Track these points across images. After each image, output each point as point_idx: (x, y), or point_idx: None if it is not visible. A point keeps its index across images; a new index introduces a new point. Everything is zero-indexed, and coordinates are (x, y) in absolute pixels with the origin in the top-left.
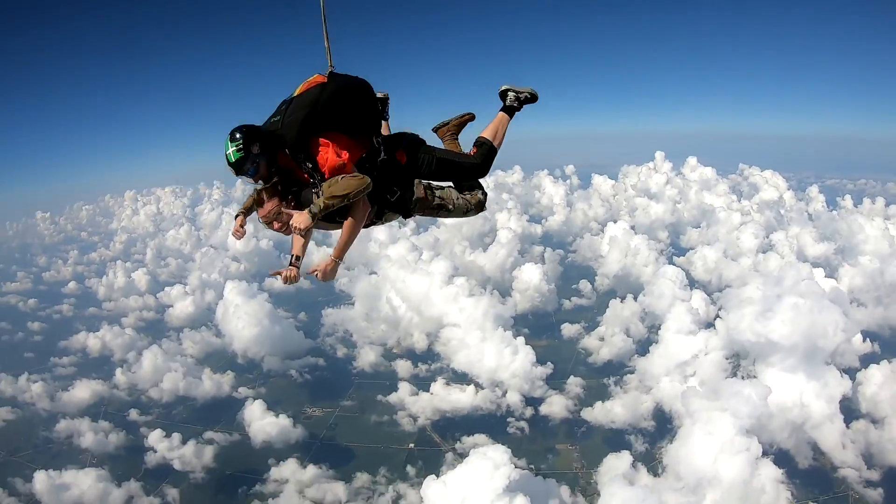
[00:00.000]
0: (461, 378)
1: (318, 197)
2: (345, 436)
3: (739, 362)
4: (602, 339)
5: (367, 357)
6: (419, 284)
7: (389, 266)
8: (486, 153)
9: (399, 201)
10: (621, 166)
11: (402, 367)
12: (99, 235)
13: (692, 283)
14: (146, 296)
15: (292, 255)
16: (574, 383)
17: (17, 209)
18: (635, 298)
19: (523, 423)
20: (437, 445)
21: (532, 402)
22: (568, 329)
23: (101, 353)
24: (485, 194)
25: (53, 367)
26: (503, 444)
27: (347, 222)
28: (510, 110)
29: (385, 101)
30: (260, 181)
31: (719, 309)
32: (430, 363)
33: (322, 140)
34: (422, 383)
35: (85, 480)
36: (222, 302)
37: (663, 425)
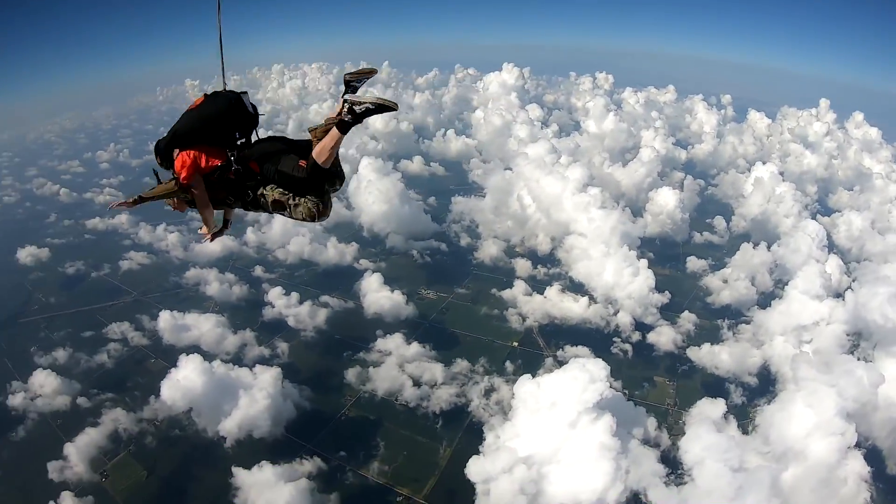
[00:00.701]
0: (577, 288)
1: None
2: (453, 322)
3: (860, 342)
4: (725, 281)
5: (489, 250)
6: (552, 187)
7: (526, 164)
8: (311, 171)
9: (254, 201)
10: (781, 106)
11: (522, 266)
12: None
13: (831, 247)
14: None
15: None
16: (687, 319)
17: (169, 77)
18: (769, 248)
19: (628, 346)
20: (539, 349)
21: (641, 327)
22: (693, 263)
23: (236, 212)
24: (316, 204)
25: (189, 221)
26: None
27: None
28: (343, 126)
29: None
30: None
31: (853, 280)
32: (549, 267)
33: (182, 152)
34: (537, 285)
35: (205, 324)
36: (356, 176)
37: (766, 384)
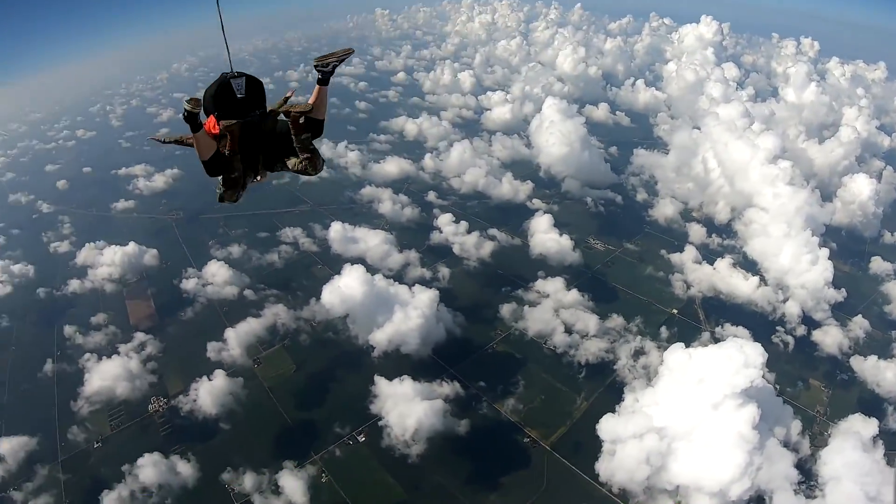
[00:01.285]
0: (749, 266)
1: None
2: (616, 276)
3: None
4: None
5: (665, 210)
6: (740, 154)
7: (715, 126)
8: (309, 124)
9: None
10: None
11: (696, 232)
12: (432, 36)
13: None
14: (468, 96)
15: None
16: (858, 324)
17: (361, 5)
18: None
19: (790, 339)
20: (698, 321)
21: (808, 322)
22: (877, 264)
23: (416, 138)
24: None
25: (371, 142)
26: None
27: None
28: (325, 80)
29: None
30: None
31: None
32: (723, 238)
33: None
34: (708, 255)
35: (373, 239)
36: (539, 116)
37: None
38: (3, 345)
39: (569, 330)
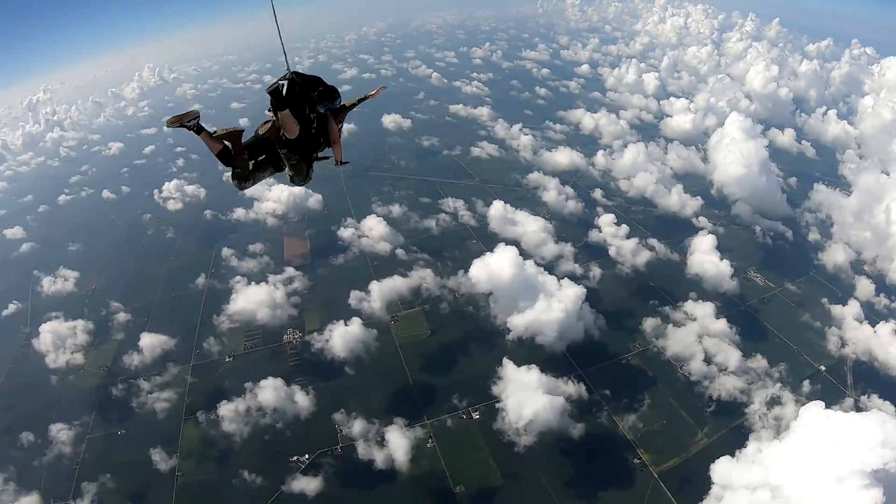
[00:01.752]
0: None
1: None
2: (769, 316)
3: None
4: None
5: (835, 255)
6: None
7: None
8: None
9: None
10: None
11: (864, 286)
12: (622, 32)
13: None
14: (649, 99)
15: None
16: None
17: None
18: None
19: None
20: (844, 384)
21: None
22: None
23: (591, 132)
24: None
25: (545, 129)
26: None
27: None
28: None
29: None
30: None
31: None
32: (893, 300)
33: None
34: (873, 315)
35: (531, 225)
36: (720, 130)
37: None
38: (165, 253)
39: (708, 359)
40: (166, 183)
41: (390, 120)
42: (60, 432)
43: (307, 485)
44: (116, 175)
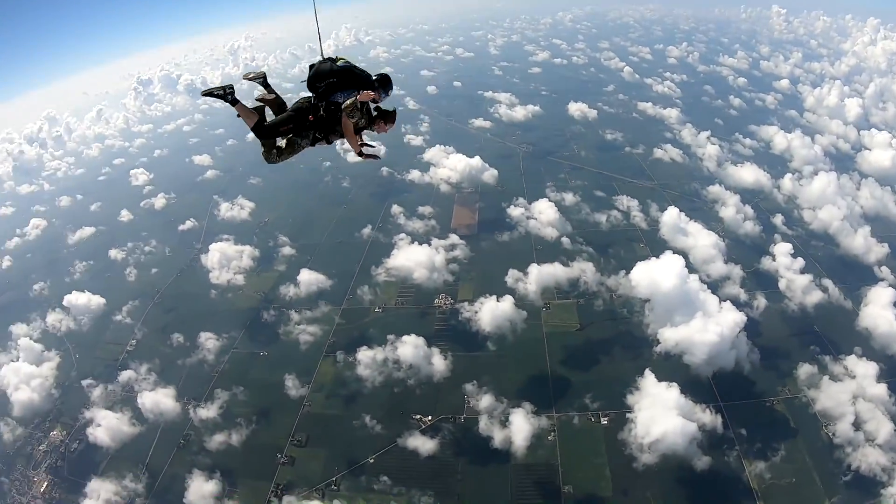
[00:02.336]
0: None
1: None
2: None
3: None
4: None
5: None
6: None
7: None
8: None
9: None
10: None
11: None
12: (827, 49)
13: None
14: (849, 127)
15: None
16: None
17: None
18: None
19: None
20: None
21: None
22: None
23: (781, 152)
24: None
25: (734, 142)
26: None
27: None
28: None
29: None
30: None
31: None
32: None
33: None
34: None
35: (703, 238)
36: None
37: None
38: (338, 201)
39: (857, 424)
40: None
41: (576, 108)
42: (208, 341)
43: (422, 444)
44: None
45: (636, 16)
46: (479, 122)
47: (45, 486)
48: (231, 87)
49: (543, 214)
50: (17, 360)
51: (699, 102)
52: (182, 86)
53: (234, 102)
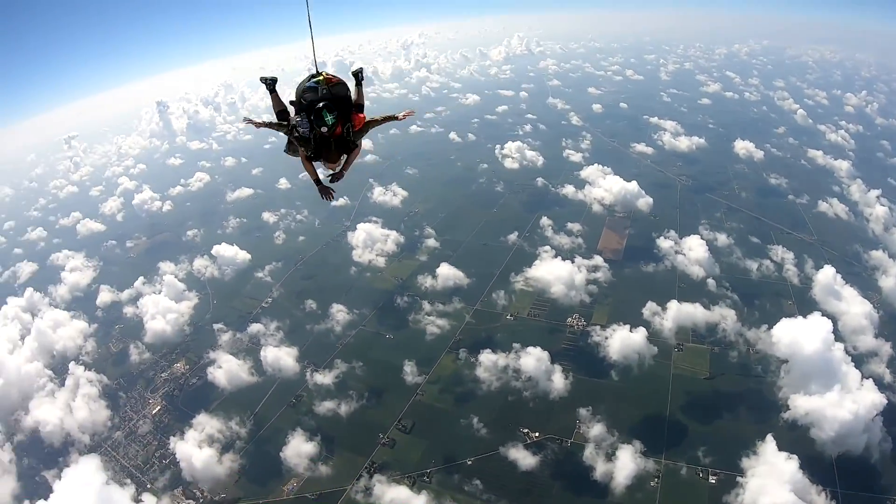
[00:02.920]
0: None
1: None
2: None
3: None
4: None
5: None
6: None
7: None
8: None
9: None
10: None
11: None
12: None
13: None
14: None
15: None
16: None
17: None
18: None
19: None
20: None
21: None
22: None
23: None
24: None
25: None
26: None
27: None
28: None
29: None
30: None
31: None
32: None
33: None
34: None
35: (855, 306)
36: None
37: None
38: (489, 204)
39: None
40: (510, 142)
41: (743, 146)
42: (339, 313)
43: (523, 458)
44: (466, 123)
45: (815, 56)
46: (640, 147)
47: (157, 409)
48: (275, 79)
49: (693, 251)
50: (159, 294)
51: (873, 158)
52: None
53: (272, 91)
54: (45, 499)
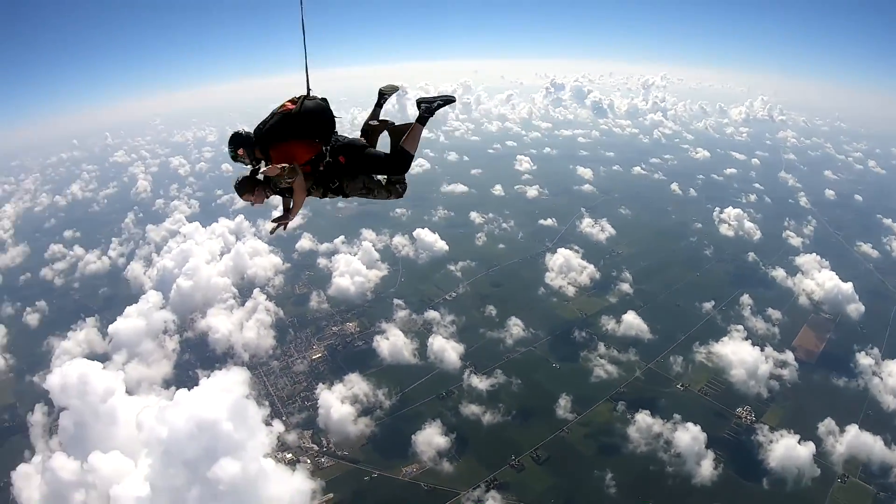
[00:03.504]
0: None
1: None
2: None
3: None
4: None
5: None
6: None
7: None
8: (399, 154)
9: (337, 188)
10: None
11: None
12: None
13: None
14: None
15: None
16: None
17: None
18: None
19: None
20: None
21: None
22: None
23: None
24: (403, 186)
25: None
26: None
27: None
28: (423, 119)
29: (384, 94)
30: (252, 164)
31: None
32: None
33: (282, 145)
34: None
35: None
36: None
37: None
38: (694, 265)
39: None
40: (730, 208)
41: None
42: (515, 327)
43: None
44: (691, 177)
45: None
46: (865, 248)
47: (318, 356)
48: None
49: (893, 378)
50: (354, 256)
51: None
52: (589, 101)
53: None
54: (189, 389)
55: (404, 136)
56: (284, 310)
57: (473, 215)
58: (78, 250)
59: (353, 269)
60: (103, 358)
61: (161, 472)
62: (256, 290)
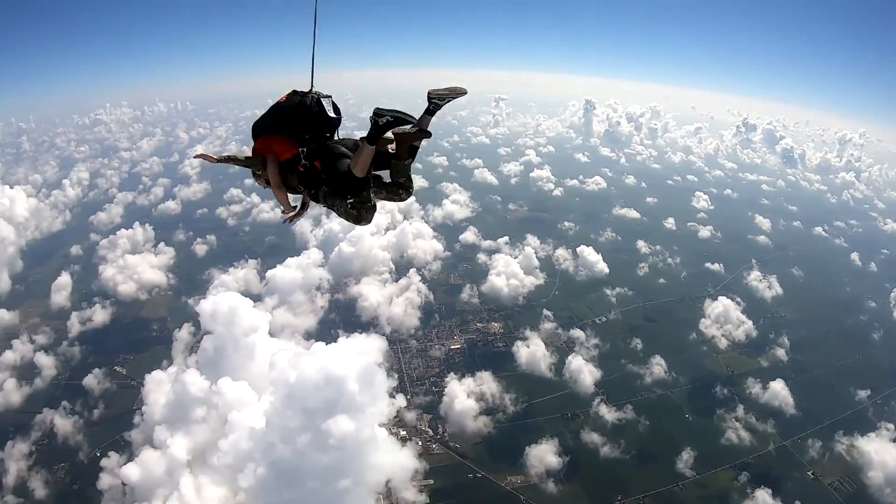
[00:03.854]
0: None
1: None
2: None
3: None
4: None
5: None
6: None
7: None
8: (348, 176)
9: (315, 195)
10: None
11: None
12: None
13: None
14: None
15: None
16: None
17: None
18: None
19: None
20: None
21: None
22: None
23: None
24: (355, 208)
25: None
26: None
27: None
28: (369, 138)
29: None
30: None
31: None
32: None
33: (261, 137)
34: None
35: None
36: None
37: None
38: (859, 346)
39: None
40: None
41: None
42: (657, 367)
43: None
44: (875, 250)
45: None
46: None
47: (456, 346)
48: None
49: None
50: (515, 259)
51: None
52: (780, 148)
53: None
54: (327, 343)
55: (355, 155)
56: (435, 295)
57: (640, 244)
58: (255, 198)
59: (510, 271)
60: (256, 298)
61: (280, 411)
62: (413, 271)
